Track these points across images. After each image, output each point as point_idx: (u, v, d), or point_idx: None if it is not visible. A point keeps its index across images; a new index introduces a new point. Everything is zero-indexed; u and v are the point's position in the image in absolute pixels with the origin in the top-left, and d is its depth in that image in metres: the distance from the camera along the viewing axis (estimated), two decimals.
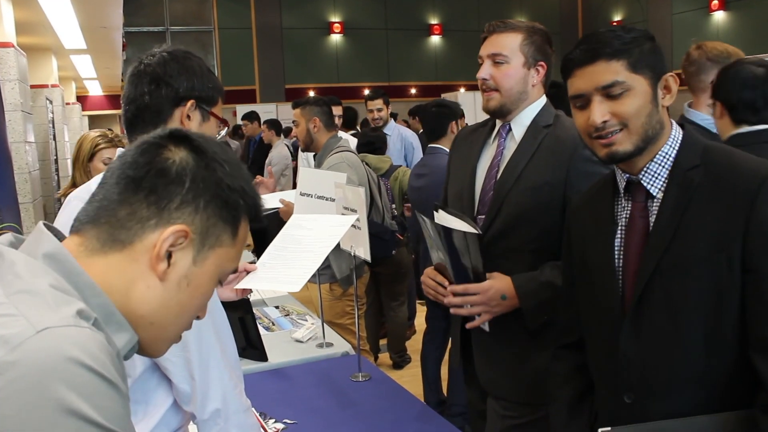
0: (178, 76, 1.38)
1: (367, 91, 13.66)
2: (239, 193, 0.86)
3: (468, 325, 1.86)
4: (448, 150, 3.64)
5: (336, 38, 17.44)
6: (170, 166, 0.83)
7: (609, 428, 1.28)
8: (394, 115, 7.43)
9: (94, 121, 14.68)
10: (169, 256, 0.82)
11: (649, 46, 1.35)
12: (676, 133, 1.38)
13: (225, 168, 0.85)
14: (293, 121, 3.72)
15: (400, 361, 4.70)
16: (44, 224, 0.83)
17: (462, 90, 13.85)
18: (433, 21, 18.14)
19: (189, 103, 1.39)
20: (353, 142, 4.69)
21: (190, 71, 1.39)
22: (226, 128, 1.52)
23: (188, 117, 1.39)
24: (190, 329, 0.92)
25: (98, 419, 0.67)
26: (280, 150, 7.24)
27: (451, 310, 1.83)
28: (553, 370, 1.59)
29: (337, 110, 4.95)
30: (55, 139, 8.06)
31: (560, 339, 1.59)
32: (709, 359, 1.28)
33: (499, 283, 1.78)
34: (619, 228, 1.39)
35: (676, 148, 1.36)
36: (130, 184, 0.82)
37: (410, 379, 4.27)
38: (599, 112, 1.32)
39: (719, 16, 15.31)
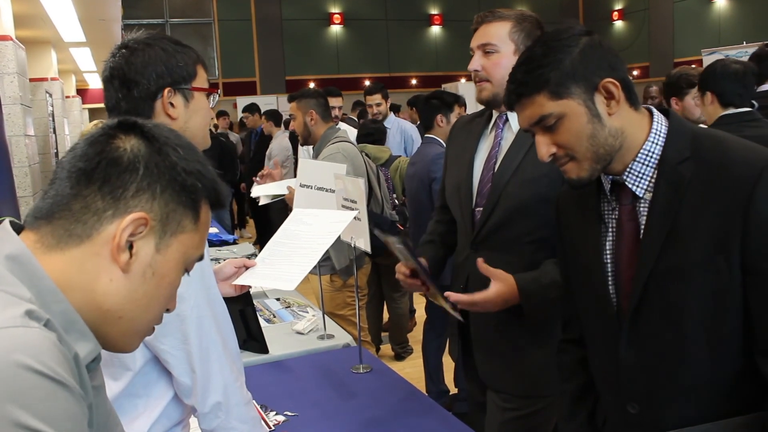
0: (144, 70, 1.32)
1: (367, 83, 13.63)
2: (195, 175, 0.85)
3: (447, 293, 1.80)
4: (440, 140, 3.67)
5: (336, 29, 17.38)
6: (122, 154, 0.81)
7: None
8: (397, 108, 7.41)
9: (94, 114, 14.66)
10: (131, 246, 0.81)
11: (575, 56, 1.22)
12: (659, 126, 1.27)
13: (179, 152, 0.84)
14: (290, 115, 3.72)
15: (401, 352, 4.70)
16: (10, 222, 0.81)
17: (462, 80, 13.78)
18: (434, 11, 18.06)
19: (165, 92, 1.34)
20: (352, 133, 4.69)
21: (154, 60, 1.33)
22: (216, 94, 1.47)
23: (171, 105, 1.35)
24: (161, 323, 0.90)
25: (44, 429, 0.65)
26: (280, 141, 7.23)
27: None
28: (558, 363, 1.56)
29: (337, 101, 4.95)
30: (55, 132, 8.06)
31: (564, 333, 1.56)
32: (713, 365, 1.22)
33: (502, 290, 1.74)
34: (609, 231, 1.32)
35: (660, 142, 1.25)
36: (82, 177, 0.80)
37: (412, 370, 4.28)
38: (544, 147, 1.28)
39: (720, 5, 15.23)
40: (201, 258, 0.91)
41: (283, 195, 3.51)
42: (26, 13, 6.26)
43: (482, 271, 1.74)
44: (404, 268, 1.88)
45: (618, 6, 17.94)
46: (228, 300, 1.58)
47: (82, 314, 0.80)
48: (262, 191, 3.73)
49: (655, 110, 1.30)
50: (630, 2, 17.57)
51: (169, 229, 0.83)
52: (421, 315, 5.15)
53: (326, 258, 3.44)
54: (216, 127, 10.36)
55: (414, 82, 17.52)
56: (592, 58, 1.23)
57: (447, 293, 1.77)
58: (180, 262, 0.86)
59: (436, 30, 18.12)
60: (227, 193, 0.91)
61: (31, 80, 6.37)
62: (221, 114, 10.31)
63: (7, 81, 5.06)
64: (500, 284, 1.74)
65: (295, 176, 3.82)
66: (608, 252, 1.32)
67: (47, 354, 0.68)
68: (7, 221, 0.82)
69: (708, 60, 10.00)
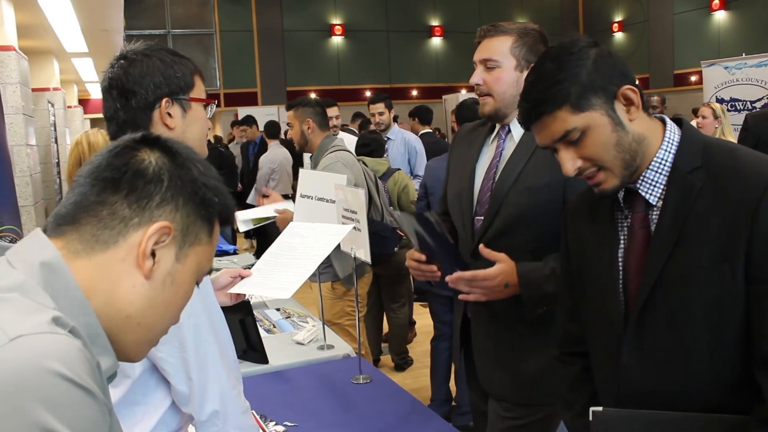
0: (141, 80, 1.33)
1: (368, 93, 13.68)
2: (213, 191, 0.89)
3: (461, 297, 1.83)
4: None
5: (337, 40, 17.46)
6: (147, 166, 0.84)
7: (601, 408, 1.27)
8: (394, 118, 7.41)
9: (96, 124, 14.65)
10: (154, 254, 0.83)
11: (590, 67, 1.24)
12: (672, 135, 1.29)
13: (198, 167, 0.88)
14: (288, 123, 3.72)
15: (401, 363, 4.69)
16: (42, 230, 0.83)
17: (463, 91, 13.82)
18: (434, 23, 18.15)
19: (163, 103, 1.34)
20: (349, 140, 4.66)
21: (152, 71, 1.34)
22: (213, 104, 1.46)
23: (169, 115, 1.35)
24: (167, 334, 0.92)
25: None
26: (268, 153, 7.33)
27: (460, 296, 1.81)
28: (564, 375, 1.54)
29: (333, 111, 4.96)
30: (56, 142, 8.09)
31: (568, 346, 1.54)
32: (712, 371, 1.23)
33: (505, 270, 1.75)
34: (622, 238, 1.34)
35: (673, 151, 1.27)
36: (109, 185, 0.83)
37: (412, 381, 4.27)
38: (569, 162, 1.28)
39: (720, 16, 15.30)
40: (210, 272, 0.93)
41: (272, 219, 3.43)
42: (29, 24, 6.29)
43: (486, 255, 1.75)
44: (417, 254, 1.88)
45: (618, 18, 18.03)
46: (228, 310, 1.58)
47: (103, 320, 0.81)
48: (245, 216, 3.62)
49: (668, 119, 1.32)
50: (630, 14, 17.66)
51: (188, 240, 0.86)
52: (420, 326, 5.15)
53: (328, 265, 3.43)
54: (218, 139, 10.28)
55: (415, 93, 17.58)
56: (606, 68, 1.25)
57: (448, 277, 1.77)
58: (194, 272, 0.89)
59: (436, 41, 18.21)
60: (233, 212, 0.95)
61: (33, 90, 6.40)
62: (240, 123, 9.52)
63: (10, 91, 5.08)
64: (503, 264, 1.75)
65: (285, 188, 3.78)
66: (620, 258, 1.33)
67: (75, 361, 0.69)
68: (38, 229, 0.83)
69: (707, 71, 10.01)
